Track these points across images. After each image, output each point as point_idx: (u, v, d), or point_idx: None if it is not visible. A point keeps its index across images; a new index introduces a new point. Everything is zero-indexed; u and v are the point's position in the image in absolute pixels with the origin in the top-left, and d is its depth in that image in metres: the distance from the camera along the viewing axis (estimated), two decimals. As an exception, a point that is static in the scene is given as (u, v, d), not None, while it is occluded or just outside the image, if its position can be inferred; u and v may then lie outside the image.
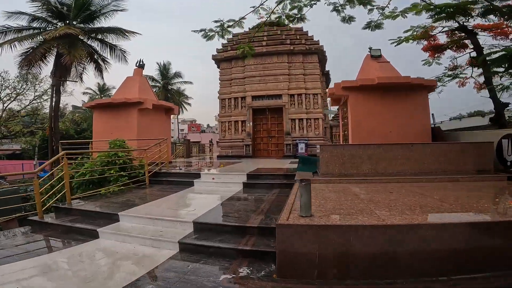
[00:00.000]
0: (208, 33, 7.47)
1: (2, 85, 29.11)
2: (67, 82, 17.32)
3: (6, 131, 31.83)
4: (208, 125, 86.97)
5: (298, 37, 16.60)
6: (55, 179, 5.63)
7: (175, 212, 4.99)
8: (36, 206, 4.68)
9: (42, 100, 30.41)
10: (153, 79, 35.22)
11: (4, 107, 30.67)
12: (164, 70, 36.24)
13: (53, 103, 15.41)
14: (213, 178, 7.72)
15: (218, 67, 17.97)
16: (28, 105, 31.04)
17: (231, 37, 18.07)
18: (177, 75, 36.82)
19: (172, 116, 14.78)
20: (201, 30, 7.47)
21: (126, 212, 4.82)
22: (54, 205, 5.11)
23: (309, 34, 17.09)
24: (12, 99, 30.20)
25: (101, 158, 7.60)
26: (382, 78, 8.42)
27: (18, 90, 29.47)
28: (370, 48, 10.15)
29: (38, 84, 28.75)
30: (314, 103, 16.17)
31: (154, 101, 11.12)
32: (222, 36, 7.82)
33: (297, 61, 16.35)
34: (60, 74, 14.77)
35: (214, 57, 17.39)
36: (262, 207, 5.07)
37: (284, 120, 16.07)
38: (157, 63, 36.50)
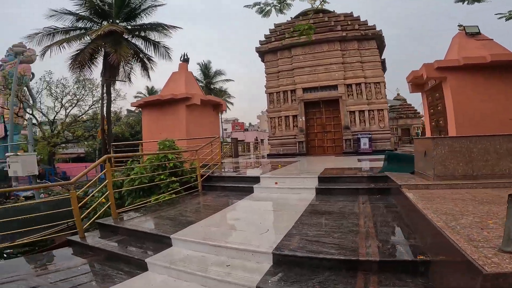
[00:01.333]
0: (264, 7, 6.16)
1: (63, 92, 31.71)
2: (117, 84, 17.57)
3: (71, 136, 34.65)
4: (250, 124, 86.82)
5: (349, 23, 14.69)
6: (98, 188, 4.79)
7: (242, 235, 3.74)
8: (76, 224, 3.78)
9: (99, 104, 32.47)
10: (196, 79, 35.39)
11: (67, 113, 33.38)
12: (205, 69, 36.15)
13: (105, 104, 15.55)
14: (276, 183, 6.40)
15: (263, 60, 16.72)
16: (87, 110, 33.35)
17: (273, 28, 16.73)
18: (218, 73, 36.49)
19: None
20: (255, 5, 6.21)
21: (180, 235, 3.70)
22: (98, 221, 4.21)
23: (362, 20, 15.02)
24: (73, 105, 32.73)
25: (150, 162, 6.75)
26: (499, 55, 6.36)
27: (78, 96, 31.82)
28: (461, 26, 8.32)
29: (95, 89, 30.62)
30: (377, 93, 14.05)
31: (202, 96, 10.21)
32: (281, 11, 6.45)
33: (352, 48, 14.46)
34: (110, 75, 14.81)
35: (257, 50, 16.16)
36: (364, 226, 3.60)
37: (342, 113, 14.20)
38: (198, 63, 36.56)
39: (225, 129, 52.78)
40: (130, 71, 16.65)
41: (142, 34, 15.81)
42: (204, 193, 6.66)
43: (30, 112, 30.84)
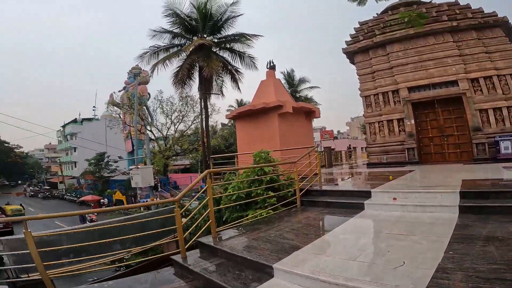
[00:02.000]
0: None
1: (172, 109, 36.75)
2: (212, 98, 18.94)
3: (179, 149, 39.77)
4: (338, 131, 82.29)
5: (457, 12, 12.06)
6: (201, 204, 4.65)
7: (367, 268, 2.82)
8: (179, 243, 3.62)
9: (199, 119, 36.31)
10: (282, 88, 35.45)
11: (175, 128, 38.51)
12: (289, 78, 35.82)
13: (203, 119, 16.83)
14: (394, 199, 5.15)
15: (352, 61, 15.21)
16: (191, 125, 37.74)
17: (358, 26, 15.02)
18: (302, 81, 35.60)
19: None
20: (349, -8, 5.42)
21: (284, 264, 3.06)
22: (198, 240, 4.01)
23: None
24: (180, 121, 37.57)
25: (247, 175, 6.49)
26: None
27: (183, 112, 36.36)
28: None
29: (195, 105, 34.32)
30: (517, 85, 10.67)
31: (294, 103, 9.66)
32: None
33: (470, 38, 11.76)
34: (205, 89, 16.04)
35: (345, 51, 14.76)
36: None
37: (468, 112, 11.35)
38: (281, 72, 36.55)
39: (313, 138, 51.18)
40: (222, 84, 17.77)
41: (228, 46, 16.69)
42: (303, 210, 5.94)
43: (149, 129, 37.05)
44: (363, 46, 13.95)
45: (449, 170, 8.89)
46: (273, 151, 7.86)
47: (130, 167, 19.08)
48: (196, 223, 4.21)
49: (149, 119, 37.12)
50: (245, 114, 10.10)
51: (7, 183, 65.67)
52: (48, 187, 52.06)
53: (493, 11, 11.53)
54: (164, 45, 16.32)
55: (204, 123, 17.37)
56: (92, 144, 40.68)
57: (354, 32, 15.09)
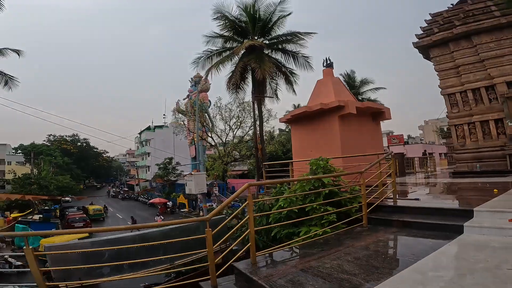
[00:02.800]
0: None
1: (230, 115, 37.55)
2: (268, 103, 18.41)
3: (238, 154, 40.46)
4: (409, 136, 73.97)
5: None
6: (238, 225, 3.91)
7: None
8: (209, 269, 2.95)
9: (257, 125, 36.36)
10: (343, 88, 33.07)
11: (234, 134, 39.28)
12: (349, 79, 33.16)
13: (257, 122, 16.39)
14: (510, 220, 3.66)
15: (426, 56, 13.17)
16: (248, 131, 38.04)
17: (430, 18, 12.74)
18: (365, 82, 32.57)
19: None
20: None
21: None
22: (234, 264, 3.28)
23: None
24: (238, 127, 38.18)
25: (302, 187, 5.59)
26: None
27: (241, 118, 36.86)
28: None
29: (252, 111, 34.43)
30: None
31: (357, 103, 8.36)
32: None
33: None
34: (258, 92, 15.54)
35: (417, 45, 12.77)
36: None
37: None
38: (340, 74, 34.03)
39: (380, 144, 46.50)
40: (276, 87, 17.05)
41: (280, 46, 15.91)
42: (371, 230, 4.74)
43: (210, 135, 38.60)
44: (441, 39, 11.90)
45: None
46: (333, 158, 6.78)
47: (185, 173, 19.62)
48: (229, 248, 3.46)
49: (210, 126, 38.55)
50: (300, 117, 9.16)
51: (95, 184, 76.68)
52: (126, 189, 58.63)
53: None
54: (217, 49, 16.42)
55: (257, 127, 16.92)
56: (162, 149, 44.36)
57: (426, 25, 12.98)
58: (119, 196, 50.33)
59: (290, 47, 16.03)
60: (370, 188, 5.24)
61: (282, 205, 5.39)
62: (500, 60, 10.48)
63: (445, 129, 42.98)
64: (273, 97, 17.13)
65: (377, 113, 9.09)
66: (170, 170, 43.89)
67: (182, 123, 39.28)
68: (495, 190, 5.92)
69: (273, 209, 5.62)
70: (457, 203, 5.01)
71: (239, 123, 36.43)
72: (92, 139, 74.98)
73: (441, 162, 31.58)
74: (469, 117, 11.09)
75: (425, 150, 35.74)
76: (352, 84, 33.39)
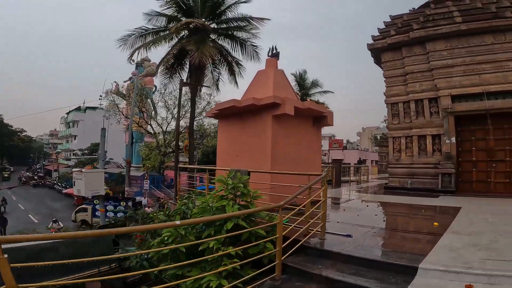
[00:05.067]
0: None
1: (175, 103, 34.36)
2: (202, 91, 16.42)
3: (181, 145, 37.29)
4: (348, 141, 78.50)
5: None
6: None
7: None
8: None
9: (202, 116, 33.86)
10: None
11: (176, 125, 36.13)
12: (301, 79, 32.97)
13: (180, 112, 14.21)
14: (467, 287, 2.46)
15: (377, 61, 12.51)
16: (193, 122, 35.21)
17: (389, 20, 12.31)
18: (315, 84, 32.73)
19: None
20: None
21: None
22: None
23: None
24: (182, 116, 35.15)
25: (202, 212, 3.86)
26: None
27: (186, 108, 33.96)
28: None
29: (201, 101, 31.91)
30: None
31: (297, 102, 6.94)
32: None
33: None
34: (195, 80, 13.46)
35: (371, 47, 12.02)
36: None
37: (533, 133, 8.40)
38: (292, 74, 33.59)
39: (321, 146, 47.81)
40: (219, 77, 15.11)
41: (229, 33, 14.01)
42: (284, 286, 3.26)
43: (149, 123, 34.93)
44: (395, 42, 11.19)
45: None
46: (256, 172, 5.22)
47: (73, 169, 16.71)
48: None
49: (153, 113, 35.17)
50: (229, 113, 7.43)
51: (7, 167, 64.63)
52: (42, 175, 50.52)
53: None
54: (153, 28, 13.77)
55: (190, 117, 14.83)
56: (92, 133, 38.90)
57: (384, 27, 12.34)
58: (31, 182, 42.87)
59: (242, 35, 14.16)
60: (292, 226, 3.73)
61: (166, 240, 3.61)
62: (449, 70, 9.98)
63: (379, 138, 46.04)
64: (210, 87, 15.11)
65: (319, 117, 7.83)
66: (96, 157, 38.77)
67: (116, 106, 34.86)
68: (435, 223, 5.01)
69: (154, 242, 3.81)
70: (396, 247, 3.83)
71: (183, 113, 33.61)
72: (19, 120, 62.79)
73: (372, 170, 33.31)
74: (409, 130, 10.68)
75: (360, 158, 37.58)
76: (303, 84, 33.11)
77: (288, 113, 6.31)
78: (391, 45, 11.30)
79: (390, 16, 12.60)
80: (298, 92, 33.02)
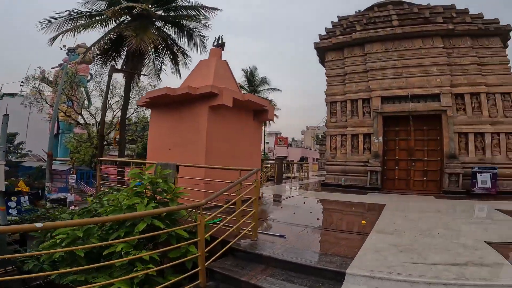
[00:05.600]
0: None
1: (112, 93, 31.12)
2: (140, 78, 15.09)
3: (118, 138, 33.97)
4: (293, 139, 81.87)
5: (453, 15, 10.32)
6: None
7: None
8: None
9: (144, 108, 31.32)
10: (240, 86, 32.45)
11: (114, 115, 32.89)
12: (250, 76, 33.16)
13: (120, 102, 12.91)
14: None
15: (322, 60, 12.96)
16: (133, 113, 32.48)
17: (337, 21, 12.92)
18: (264, 81, 33.24)
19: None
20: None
21: None
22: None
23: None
24: (120, 108, 32.02)
25: (115, 211, 3.25)
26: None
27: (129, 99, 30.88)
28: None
29: (140, 92, 29.46)
30: (506, 108, 9.21)
31: (236, 94, 6.61)
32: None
33: (462, 46, 10.06)
34: (132, 67, 12.17)
35: (317, 46, 12.38)
36: None
37: (445, 135, 9.54)
38: (242, 69, 33.50)
39: (267, 143, 48.90)
40: (161, 66, 13.92)
41: (178, 21, 12.90)
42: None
43: (80, 113, 31.06)
44: (339, 42, 11.65)
45: (425, 205, 6.83)
46: (189, 166, 4.74)
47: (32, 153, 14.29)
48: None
49: (85, 102, 31.40)
50: (162, 102, 6.73)
51: None
52: None
53: (495, 18, 9.97)
54: (89, 11, 11.94)
55: (122, 106, 13.39)
56: (10, 123, 32.97)
57: (331, 27, 12.78)
58: None
59: (191, 25, 13.09)
60: (220, 225, 3.38)
61: (60, 242, 2.95)
62: (382, 72, 10.65)
63: (320, 136, 48.93)
64: (147, 75, 13.80)
65: (260, 111, 7.64)
66: (12, 149, 33.32)
67: (39, 93, 30.32)
68: (363, 221, 5.19)
69: (45, 245, 3.09)
70: (327, 248, 3.78)
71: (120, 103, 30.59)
72: None
73: (313, 167, 35.19)
74: (344, 128, 11.25)
75: (302, 155, 39.39)
76: (252, 80, 33.17)
77: (226, 104, 5.93)
78: (335, 44, 11.75)
79: (338, 17, 13.11)
80: (247, 88, 32.99)
